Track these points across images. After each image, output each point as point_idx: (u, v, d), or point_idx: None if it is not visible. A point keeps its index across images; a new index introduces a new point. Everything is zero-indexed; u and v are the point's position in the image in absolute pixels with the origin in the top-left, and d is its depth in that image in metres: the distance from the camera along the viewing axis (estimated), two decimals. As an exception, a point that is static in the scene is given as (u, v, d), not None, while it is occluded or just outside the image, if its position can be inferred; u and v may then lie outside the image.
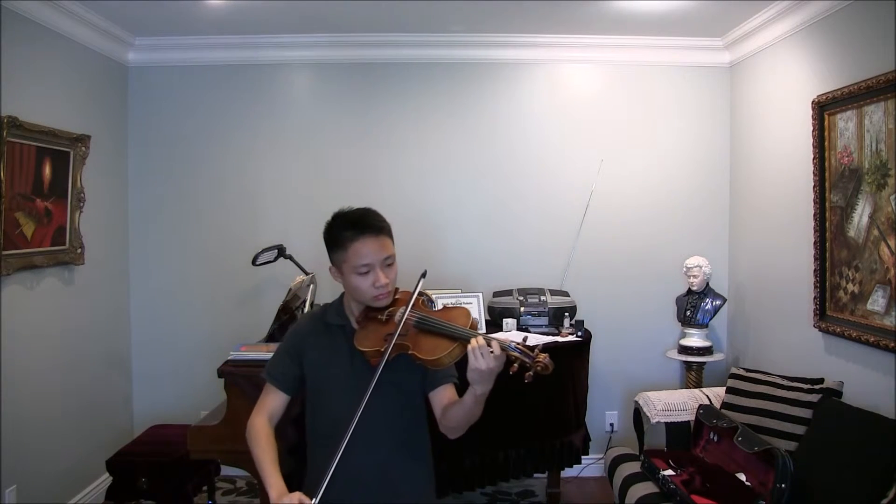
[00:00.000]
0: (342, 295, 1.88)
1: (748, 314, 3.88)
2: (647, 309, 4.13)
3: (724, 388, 3.17)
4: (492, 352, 1.54)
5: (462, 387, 1.74)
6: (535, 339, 3.25)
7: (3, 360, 2.95)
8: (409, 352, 1.68)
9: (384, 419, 1.77)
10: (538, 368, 1.53)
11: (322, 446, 1.75)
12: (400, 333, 1.69)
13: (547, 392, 3.21)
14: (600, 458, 3.80)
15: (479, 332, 1.64)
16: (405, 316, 1.71)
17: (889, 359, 2.64)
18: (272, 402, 1.83)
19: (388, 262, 1.75)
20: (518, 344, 1.58)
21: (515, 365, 1.56)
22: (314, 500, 1.56)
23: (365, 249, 1.71)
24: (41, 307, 3.26)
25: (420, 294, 1.79)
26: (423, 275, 1.82)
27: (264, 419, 1.80)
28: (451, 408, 1.73)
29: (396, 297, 1.81)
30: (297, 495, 1.58)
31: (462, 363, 1.66)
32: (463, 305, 3.50)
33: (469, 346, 1.57)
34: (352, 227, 1.73)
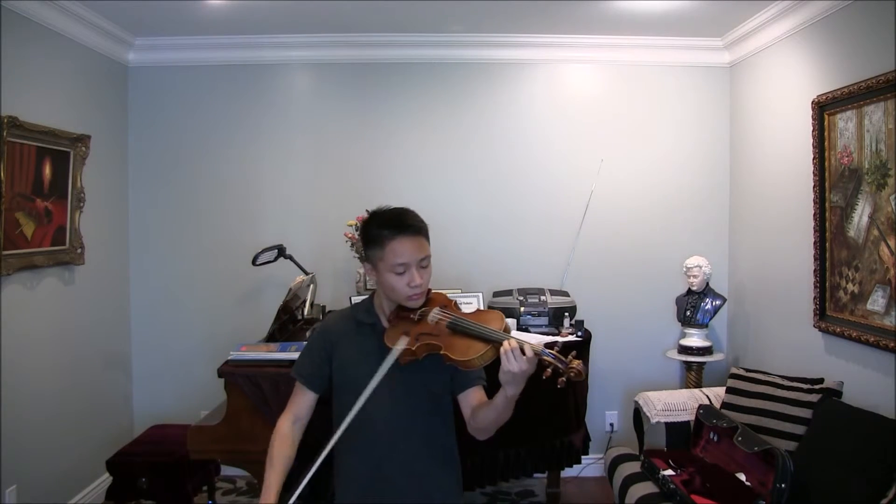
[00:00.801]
0: (372, 294, 1.90)
1: (748, 314, 3.88)
2: (647, 309, 4.13)
3: (724, 388, 3.17)
4: (525, 355, 1.55)
5: (491, 389, 1.75)
6: (535, 340, 3.26)
7: (3, 360, 2.95)
8: (441, 352, 1.69)
9: (413, 419, 1.77)
10: (571, 375, 1.55)
11: (349, 446, 1.75)
12: (432, 333, 1.70)
13: (547, 392, 3.20)
14: (600, 458, 3.80)
15: (512, 335, 1.64)
16: (441, 315, 1.73)
17: (889, 359, 2.64)
18: (300, 402, 1.83)
19: (424, 264, 1.76)
20: (551, 349, 1.59)
21: (549, 370, 1.57)
22: (292, 498, 1.60)
23: (402, 248, 1.71)
24: (41, 307, 3.26)
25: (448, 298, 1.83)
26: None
27: (290, 423, 1.81)
28: (481, 409, 1.74)
29: (429, 297, 1.82)
30: None
31: (493, 365, 1.67)
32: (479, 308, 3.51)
33: (502, 349, 1.58)
34: (390, 226, 1.73)
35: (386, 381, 1.67)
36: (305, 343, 1.94)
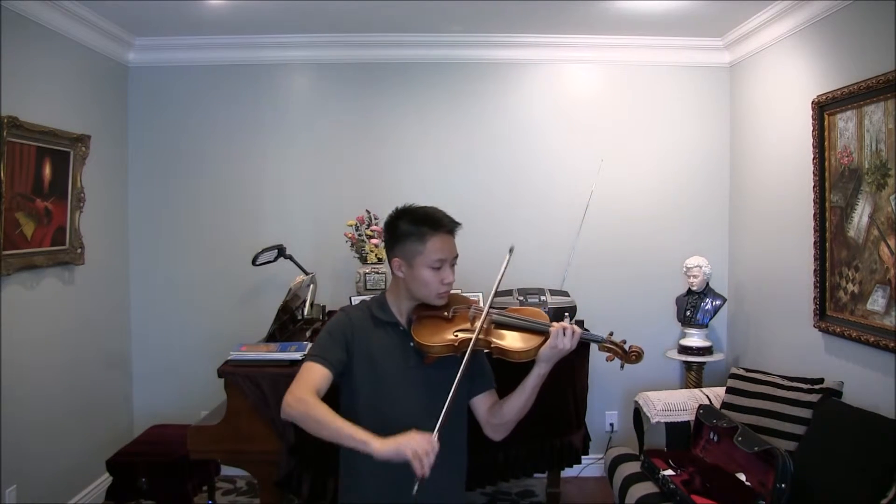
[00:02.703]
0: (384, 293, 1.90)
1: (748, 314, 3.88)
2: (647, 309, 4.12)
3: (724, 388, 3.17)
4: (573, 334, 1.70)
5: (500, 392, 1.85)
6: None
7: (3, 360, 2.95)
8: (493, 346, 1.75)
9: (432, 419, 1.74)
10: (633, 358, 1.80)
11: None
12: (476, 329, 1.75)
13: (547, 392, 3.20)
14: (600, 458, 3.80)
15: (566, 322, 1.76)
16: (486, 309, 1.79)
17: (889, 359, 2.64)
18: (318, 378, 1.71)
19: (454, 262, 1.83)
20: (607, 336, 1.79)
21: (610, 354, 1.79)
22: (435, 434, 1.56)
23: (444, 244, 1.78)
24: (41, 307, 3.25)
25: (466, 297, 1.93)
26: (511, 250, 1.92)
27: (311, 390, 1.67)
28: (507, 400, 1.80)
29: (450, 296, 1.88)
30: (419, 435, 1.54)
31: (502, 369, 1.77)
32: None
33: (554, 327, 1.72)
34: (432, 222, 1.78)
35: (407, 380, 1.68)
36: (323, 328, 1.88)
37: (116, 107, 3.96)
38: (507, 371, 1.87)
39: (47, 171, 3.24)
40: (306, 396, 1.64)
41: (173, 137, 4.09)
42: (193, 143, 4.10)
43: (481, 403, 1.86)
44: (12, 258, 2.98)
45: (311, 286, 3.65)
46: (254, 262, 3.63)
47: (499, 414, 1.81)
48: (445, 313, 1.81)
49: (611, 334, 1.81)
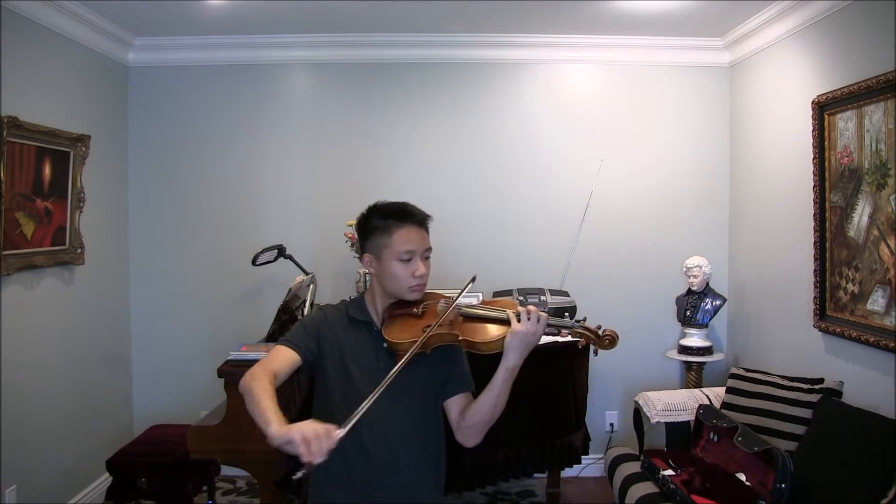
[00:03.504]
0: (362, 294, 1.88)
1: (748, 314, 3.88)
2: (647, 309, 4.12)
3: (724, 388, 3.17)
4: (539, 319, 1.63)
5: (478, 392, 1.77)
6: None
7: (3, 360, 2.95)
8: (460, 339, 1.69)
9: (403, 419, 1.76)
10: (606, 342, 1.67)
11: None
12: (443, 324, 1.69)
13: (547, 392, 3.21)
14: (600, 458, 3.80)
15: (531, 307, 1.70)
16: (452, 304, 1.73)
17: (889, 359, 2.64)
18: (282, 360, 1.71)
19: (427, 255, 1.80)
20: (581, 322, 1.71)
21: (582, 340, 1.71)
22: (344, 428, 1.45)
23: (410, 236, 1.75)
24: (41, 307, 3.26)
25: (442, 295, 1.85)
26: (473, 279, 1.86)
27: (268, 370, 1.65)
28: (476, 401, 1.74)
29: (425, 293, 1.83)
30: (318, 423, 1.44)
31: (481, 365, 1.71)
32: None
33: (514, 310, 1.64)
34: (398, 215, 1.77)
35: (376, 382, 1.63)
36: (298, 321, 1.89)
37: (116, 107, 3.96)
38: (489, 371, 1.81)
39: (47, 171, 3.24)
40: (258, 373, 1.63)
41: (173, 137, 4.09)
42: (193, 143, 4.10)
43: (454, 406, 1.79)
44: (12, 258, 2.98)
45: (311, 286, 3.65)
46: (254, 262, 3.63)
47: (468, 415, 1.74)
48: (415, 310, 1.78)
49: (584, 320, 1.75)
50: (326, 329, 1.80)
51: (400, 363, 1.61)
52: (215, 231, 4.12)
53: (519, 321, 1.63)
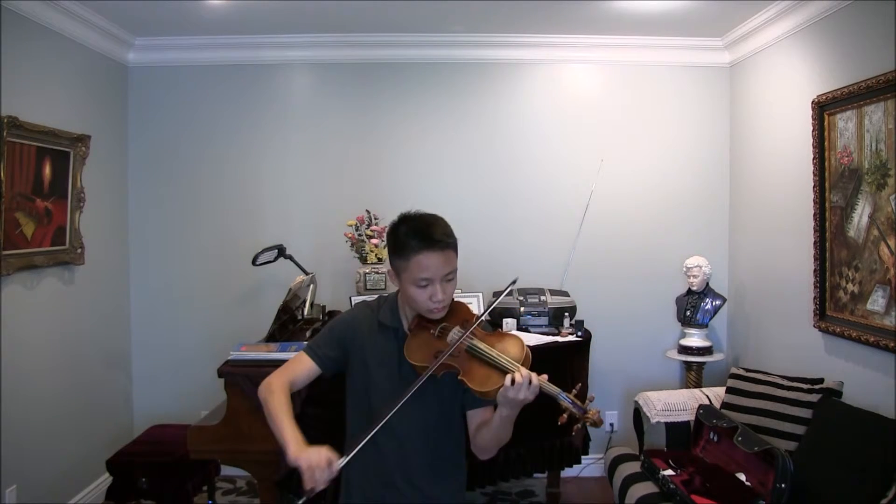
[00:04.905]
0: (397, 293, 1.83)
1: (748, 314, 3.88)
2: (647, 309, 4.12)
3: (724, 388, 3.17)
4: (530, 385, 1.54)
5: None
6: (535, 339, 3.26)
7: (3, 360, 2.95)
8: (459, 377, 1.65)
9: (423, 431, 1.76)
10: (588, 423, 1.55)
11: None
12: (452, 354, 1.65)
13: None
14: (600, 458, 3.80)
15: (516, 365, 1.60)
16: (461, 338, 1.66)
17: (889, 359, 2.64)
18: (301, 369, 1.78)
19: (450, 277, 1.69)
20: (570, 395, 1.57)
21: (565, 415, 1.56)
22: (343, 460, 1.53)
23: (428, 263, 1.64)
24: (41, 307, 3.26)
25: (471, 312, 1.78)
26: (514, 282, 1.83)
27: (285, 381, 1.73)
28: (482, 428, 1.73)
29: (451, 307, 1.76)
30: (325, 452, 1.52)
31: None
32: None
33: (509, 377, 1.55)
34: (418, 237, 1.65)
35: (396, 390, 1.65)
36: (328, 323, 1.89)
37: (116, 107, 3.96)
38: None
39: (47, 171, 3.24)
40: (275, 385, 1.71)
41: (173, 137, 4.09)
42: (193, 143, 4.10)
43: (473, 419, 1.78)
44: (12, 258, 2.98)
45: (311, 286, 3.65)
46: (254, 262, 3.63)
47: (478, 436, 1.74)
48: (432, 331, 1.73)
49: (577, 387, 1.64)
50: (353, 334, 1.80)
51: (407, 394, 1.62)
52: (215, 231, 4.12)
53: (513, 385, 1.54)
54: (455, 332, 1.70)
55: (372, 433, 1.59)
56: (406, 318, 1.80)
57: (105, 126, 3.78)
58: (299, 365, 1.78)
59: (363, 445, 1.57)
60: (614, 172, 4.08)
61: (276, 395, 1.68)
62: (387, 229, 1.79)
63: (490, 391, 1.60)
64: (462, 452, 1.87)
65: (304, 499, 1.51)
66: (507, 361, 1.60)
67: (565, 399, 1.56)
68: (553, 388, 1.57)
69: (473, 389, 1.63)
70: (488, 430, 1.69)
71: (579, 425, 1.55)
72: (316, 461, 1.50)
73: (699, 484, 2.69)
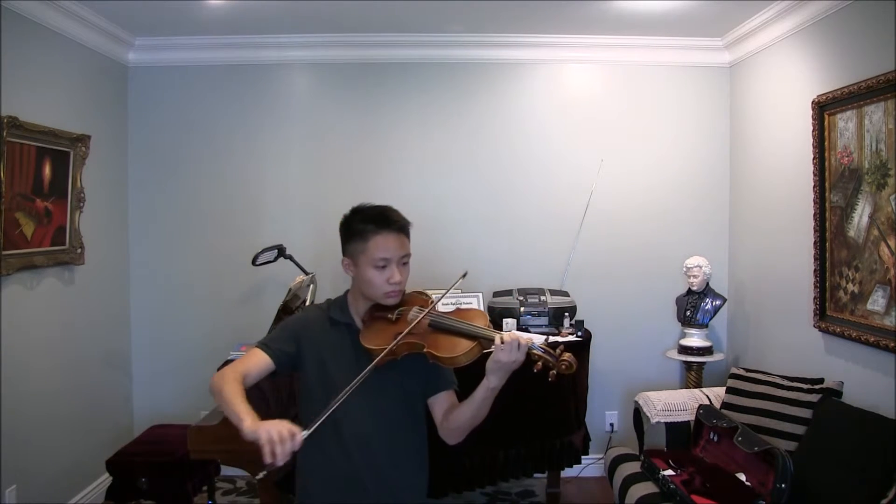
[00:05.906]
0: (346, 293, 1.89)
1: (748, 314, 3.88)
2: (647, 309, 4.12)
3: (724, 388, 3.17)
4: (520, 346, 1.58)
5: (464, 393, 1.75)
6: (533, 339, 3.26)
7: (3, 360, 2.95)
8: (425, 350, 1.68)
9: (385, 421, 1.76)
10: (562, 368, 1.59)
11: (317, 445, 1.66)
12: (413, 332, 1.69)
13: (547, 392, 3.20)
14: (600, 458, 3.80)
15: (496, 331, 1.66)
16: (423, 314, 1.72)
17: (889, 359, 2.64)
18: (254, 363, 1.74)
19: (404, 261, 1.78)
20: (541, 344, 1.63)
21: (539, 363, 1.61)
22: (306, 431, 1.49)
23: (386, 243, 1.73)
24: (41, 307, 3.26)
25: (426, 296, 1.82)
26: (464, 275, 1.88)
27: (238, 373, 1.68)
28: (457, 408, 1.74)
29: (404, 297, 1.82)
30: (287, 423, 1.46)
31: (465, 368, 1.67)
32: (470, 306, 3.51)
33: (498, 338, 1.60)
34: (375, 221, 1.76)
35: (359, 383, 1.65)
36: (280, 322, 1.91)
37: (116, 107, 3.96)
38: (473, 376, 1.80)
39: (47, 171, 3.24)
40: (228, 376, 1.66)
41: (173, 137, 4.09)
42: (193, 143, 4.10)
43: (438, 405, 1.80)
44: (12, 258, 2.98)
45: (311, 286, 3.65)
46: (254, 262, 3.63)
47: (451, 418, 1.75)
48: (390, 315, 1.78)
49: (559, 347, 1.66)
50: (306, 330, 1.82)
51: (366, 370, 1.63)
52: (215, 231, 4.12)
53: (503, 343, 1.58)
54: (415, 311, 1.76)
55: (334, 406, 1.56)
56: (357, 314, 1.83)
57: (105, 126, 3.78)
58: (253, 358, 1.75)
59: (324, 421, 1.54)
60: (614, 172, 4.08)
61: (229, 384, 1.62)
62: (340, 221, 1.86)
63: (459, 356, 1.64)
64: (426, 444, 1.88)
65: (264, 472, 1.45)
66: (478, 327, 1.68)
67: (537, 349, 1.61)
68: (525, 340, 1.63)
69: (441, 357, 1.66)
70: (468, 406, 1.70)
71: (554, 372, 1.59)
72: (277, 433, 1.43)
73: (699, 484, 2.69)
